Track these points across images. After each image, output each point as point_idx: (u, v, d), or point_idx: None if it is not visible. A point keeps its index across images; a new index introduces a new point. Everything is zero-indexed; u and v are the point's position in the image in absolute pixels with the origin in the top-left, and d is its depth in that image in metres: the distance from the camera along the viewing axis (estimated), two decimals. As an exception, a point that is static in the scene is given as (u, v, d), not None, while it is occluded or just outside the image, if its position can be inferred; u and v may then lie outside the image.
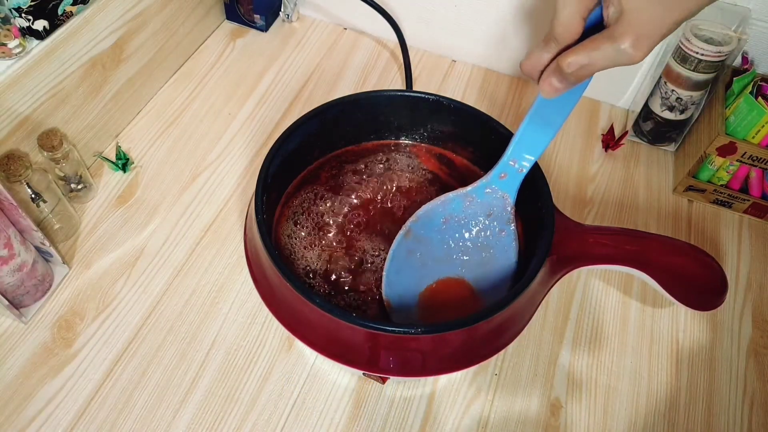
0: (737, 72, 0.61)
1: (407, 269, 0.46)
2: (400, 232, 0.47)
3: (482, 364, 0.44)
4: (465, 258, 0.46)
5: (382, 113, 0.53)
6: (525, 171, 0.44)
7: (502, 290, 0.45)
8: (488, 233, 0.46)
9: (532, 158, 0.43)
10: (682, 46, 0.59)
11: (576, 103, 0.39)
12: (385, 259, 0.47)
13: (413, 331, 0.38)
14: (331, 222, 0.50)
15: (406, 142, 0.56)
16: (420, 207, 0.47)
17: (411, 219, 0.47)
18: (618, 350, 0.53)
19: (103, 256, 0.55)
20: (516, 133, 0.43)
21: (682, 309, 0.51)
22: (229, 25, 0.78)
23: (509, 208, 0.45)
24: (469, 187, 0.46)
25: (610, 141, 0.68)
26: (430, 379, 0.50)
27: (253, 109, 0.69)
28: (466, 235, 0.46)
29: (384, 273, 0.46)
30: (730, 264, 0.60)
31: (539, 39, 0.71)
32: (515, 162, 0.44)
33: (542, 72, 0.37)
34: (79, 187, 0.57)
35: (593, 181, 0.66)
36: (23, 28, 0.50)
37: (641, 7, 0.31)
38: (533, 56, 0.37)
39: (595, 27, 0.34)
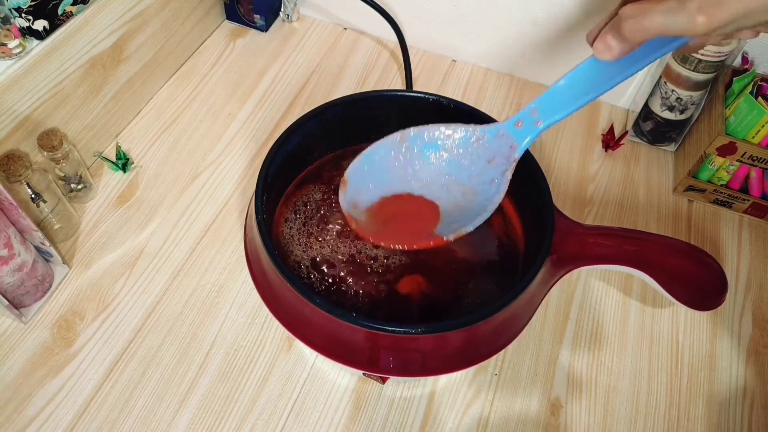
0: (737, 72, 0.61)
1: (383, 169, 0.44)
2: (396, 134, 0.44)
3: (482, 364, 0.44)
4: (446, 191, 0.44)
5: (382, 113, 0.53)
6: (542, 126, 0.41)
7: (463, 225, 0.43)
8: (481, 179, 0.43)
9: (555, 117, 0.41)
10: (682, 46, 0.59)
11: (625, 78, 0.37)
12: (386, 261, 0.47)
13: (413, 331, 0.38)
14: (331, 222, 0.50)
15: (406, 142, 0.56)
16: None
17: (413, 129, 0.44)
18: (618, 350, 0.53)
19: (103, 256, 0.55)
20: (550, 86, 0.40)
21: (682, 309, 0.51)
22: (229, 25, 0.78)
23: (512, 159, 0.42)
24: (482, 126, 0.43)
25: (610, 141, 0.68)
26: (430, 379, 0.50)
27: (253, 109, 0.69)
28: (459, 171, 0.44)
29: (358, 157, 0.44)
30: (730, 264, 0.60)
31: (539, 39, 0.72)
32: (536, 113, 0.41)
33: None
34: (79, 187, 0.57)
35: (593, 181, 0.66)
36: (23, 28, 0.50)
37: None
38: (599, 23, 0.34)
39: None
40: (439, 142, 0.44)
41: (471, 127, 0.43)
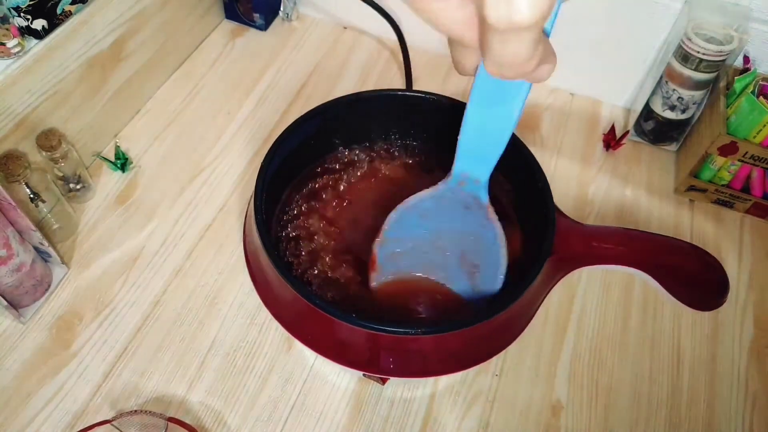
0: (738, 71, 0.61)
1: (395, 261, 0.46)
2: (377, 240, 0.45)
3: (483, 364, 0.44)
4: (450, 246, 0.45)
5: (381, 113, 0.53)
6: (483, 182, 0.39)
7: (492, 276, 0.43)
8: (471, 223, 0.43)
9: (487, 169, 0.38)
10: (683, 46, 0.59)
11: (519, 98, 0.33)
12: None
13: (413, 332, 0.38)
14: (330, 222, 0.50)
15: (407, 141, 0.55)
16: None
17: (384, 228, 0.44)
18: (619, 350, 0.53)
19: (102, 256, 0.55)
20: (458, 144, 0.37)
21: (683, 309, 0.51)
22: (229, 24, 0.77)
23: (482, 210, 0.41)
24: (431, 190, 0.42)
25: (611, 141, 0.68)
26: (431, 380, 0.50)
27: (253, 109, 0.68)
28: (448, 223, 0.44)
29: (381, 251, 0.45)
30: (731, 264, 0.60)
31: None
32: (467, 176, 0.39)
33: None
34: (78, 187, 0.57)
35: (594, 181, 0.65)
36: (22, 27, 0.50)
37: None
38: None
39: None
40: (414, 216, 0.44)
41: (425, 194, 0.43)
